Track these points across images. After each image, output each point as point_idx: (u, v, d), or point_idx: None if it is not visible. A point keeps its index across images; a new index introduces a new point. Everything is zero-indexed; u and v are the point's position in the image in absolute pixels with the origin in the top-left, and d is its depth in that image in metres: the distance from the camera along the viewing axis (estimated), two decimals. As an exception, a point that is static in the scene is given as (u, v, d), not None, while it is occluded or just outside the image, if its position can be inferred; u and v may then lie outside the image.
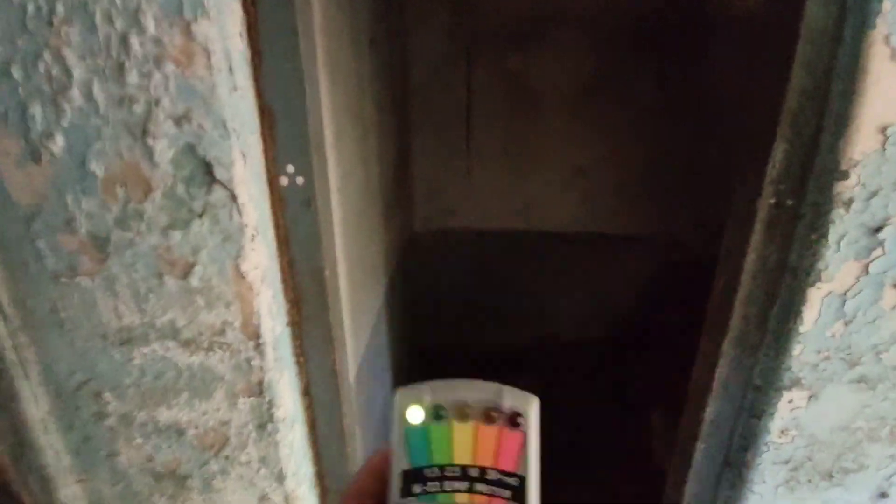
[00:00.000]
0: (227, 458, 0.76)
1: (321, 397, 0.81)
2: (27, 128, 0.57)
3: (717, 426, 0.84)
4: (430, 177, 2.45)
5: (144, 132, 0.57)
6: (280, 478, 0.78)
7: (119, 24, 0.50)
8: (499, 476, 0.25)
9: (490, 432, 0.25)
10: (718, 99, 1.97)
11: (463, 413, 0.26)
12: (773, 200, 0.68)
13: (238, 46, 0.58)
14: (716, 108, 2.03)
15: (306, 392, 0.81)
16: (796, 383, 0.75)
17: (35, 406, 0.73)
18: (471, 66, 2.23)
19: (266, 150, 0.66)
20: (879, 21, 0.56)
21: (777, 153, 0.65)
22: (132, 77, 0.53)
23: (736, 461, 0.85)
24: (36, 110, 0.56)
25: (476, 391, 0.26)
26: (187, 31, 0.52)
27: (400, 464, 0.26)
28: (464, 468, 0.25)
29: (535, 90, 2.24)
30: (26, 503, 0.77)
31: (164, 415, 0.73)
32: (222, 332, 0.68)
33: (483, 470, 0.25)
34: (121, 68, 0.53)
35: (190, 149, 0.58)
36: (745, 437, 0.82)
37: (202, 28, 0.52)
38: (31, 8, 0.51)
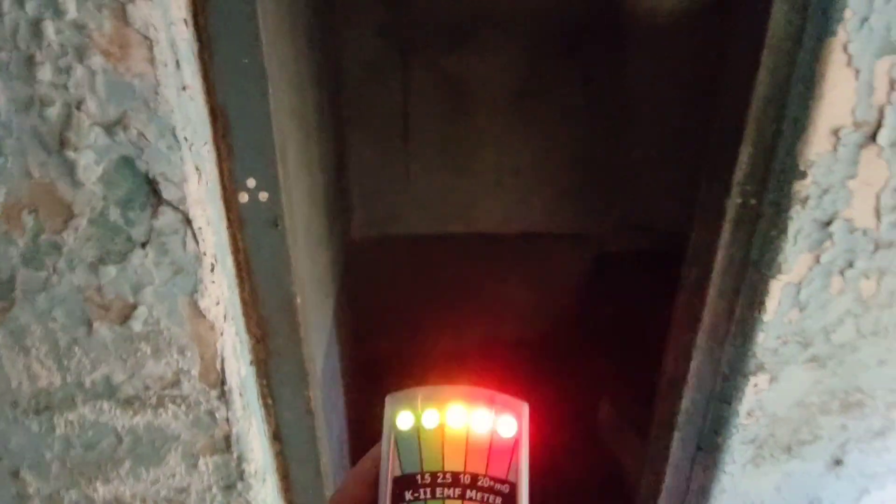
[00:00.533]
0: (185, 529, 0.64)
1: (293, 441, 0.71)
2: None
3: (692, 415, 0.87)
4: (368, 181, 2.35)
5: (62, 143, 0.44)
6: (253, 542, 0.67)
7: (29, 5, 0.38)
8: (490, 483, 0.25)
9: (481, 439, 0.26)
10: (638, 102, 2.09)
11: (454, 419, 0.26)
12: (739, 200, 0.70)
13: (184, 34, 0.47)
14: (636, 110, 2.16)
15: (276, 437, 0.70)
16: (760, 368, 0.79)
17: None
18: (407, 67, 2.17)
19: (221, 162, 0.55)
20: (840, 28, 0.59)
21: (743, 156, 0.67)
22: (44, 73, 0.41)
23: (708, 446, 0.88)
24: None
25: (467, 397, 0.26)
26: (121, 15, 0.41)
27: (390, 470, 0.26)
28: (455, 475, 0.25)
29: (471, 92, 2.23)
30: None
31: (101, 490, 0.59)
32: (175, 383, 0.56)
33: (474, 477, 0.25)
34: (30, 62, 0.40)
35: (127, 163, 0.46)
36: (716, 423, 0.86)
37: (141, 10, 0.41)
38: None
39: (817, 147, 0.65)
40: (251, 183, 0.57)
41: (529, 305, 2.78)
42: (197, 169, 0.49)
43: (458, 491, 0.25)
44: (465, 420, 0.26)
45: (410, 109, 2.24)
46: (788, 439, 0.90)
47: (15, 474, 0.55)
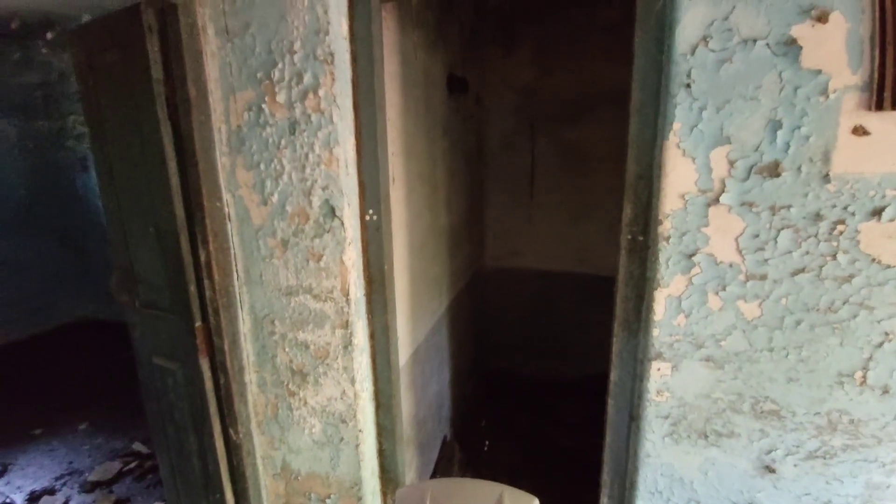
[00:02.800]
0: (327, 364, 1.41)
1: (379, 340, 1.43)
2: (262, 190, 1.31)
3: (620, 387, 1.26)
4: (499, 223, 3.04)
5: (310, 193, 1.27)
6: (352, 381, 1.40)
7: (324, 153, 1.22)
8: None
9: None
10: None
11: None
12: (629, 237, 1.15)
13: (351, 154, 1.27)
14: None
15: (372, 336, 1.43)
16: (660, 356, 1.16)
17: (243, 324, 1.46)
18: (534, 137, 2.83)
19: (360, 202, 1.33)
20: (671, 134, 1.04)
21: (627, 209, 1.14)
22: (307, 171, 1.25)
23: (636, 415, 1.25)
24: (267, 184, 1.30)
25: (476, 493, 0.24)
26: (331, 152, 1.22)
27: None
28: None
29: (585, 154, 2.74)
30: (230, 377, 1.49)
31: (301, 336, 1.41)
32: (332, 291, 1.34)
33: None
34: (303, 167, 1.24)
35: (326, 202, 1.27)
36: (638, 397, 1.23)
37: (337, 151, 1.22)
38: (270, 140, 1.25)
39: (671, 205, 1.08)
40: (371, 212, 1.33)
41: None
42: (348, 204, 1.27)
43: None
44: None
45: (536, 169, 2.87)
46: (703, 426, 1.20)
47: (272, 322, 1.40)
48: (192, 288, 1.41)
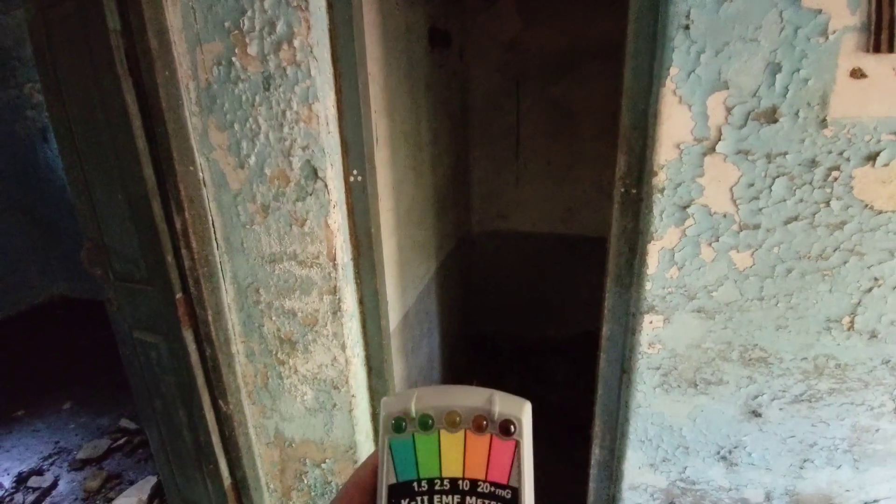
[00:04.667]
0: (316, 331, 1.38)
1: (369, 305, 1.40)
2: (239, 152, 1.24)
3: (612, 341, 1.26)
4: (486, 185, 3.00)
5: (289, 154, 1.21)
6: (343, 347, 1.37)
7: (303, 110, 1.14)
8: (491, 488, 0.24)
9: (480, 442, 0.24)
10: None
11: (452, 422, 0.25)
12: (622, 189, 1.12)
13: (332, 112, 1.19)
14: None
15: (361, 301, 1.40)
16: (652, 309, 1.17)
17: (226, 295, 1.41)
18: (519, 94, 2.75)
19: (343, 163, 1.26)
20: (668, 81, 1.00)
21: (621, 161, 1.10)
22: (286, 130, 1.17)
23: (627, 368, 1.26)
24: (243, 145, 1.23)
25: (465, 398, 0.25)
26: (310, 108, 1.14)
27: (386, 477, 0.25)
28: (453, 481, 0.24)
29: (572, 113, 2.68)
30: (216, 348, 1.45)
31: (287, 304, 1.37)
32: (317, 257, 1.29)
33: (474, 482, 0.24)
34: (281, 126, 1.17)
35: (307, 162, 1.21)
36: (630, 350, 1.24)
37: (316, 107, 1.14)
38: (244, 97, 1.17)
39: (666, 155, 1.05)
40: (355, 172, 1.27)
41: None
42: (331, 165, 1.21)
43: (457, 498, 0.24)
44: (463, 422, 0.25)
45: (521, 128, 2.80)
46: (693, 375, 1.22)
47: (257, 290, 1.36)
48: (170, 258, 1.35)
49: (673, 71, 0.99)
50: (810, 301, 1.07)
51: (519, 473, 0.24)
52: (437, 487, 0.24)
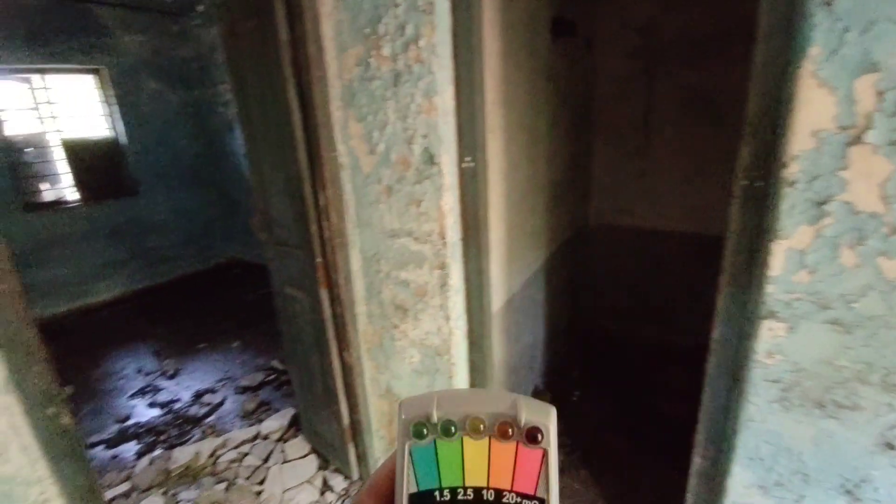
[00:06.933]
0: (426, 302, 1.54)
1: (474, 282, 1.51)
2: (370, 140, 1.43)
3: (723, 345, 1.19)
4: (607, 177, 2.89)
5: (411, 141, 1.36)
6: (447, 318, 1.51)
7: (424, 102, 1.30)
8: (517, 499, 0.23)
9: (506, 450, 0.23)
10: None
11: (475, 428, 0.24)
12: (746, 182, 1.05)
13: (450, 103, 1.32)
14: None
15: (467, 278, 1.52)
16: (773, 315, 1.07)
17: (354, 263, 1.65)
18: (651, 82, 2.59)
19: (458, 149, 1.38)
20: (806, 62, 0.91)
21: (744, 151, 1.03)
22: (409, 120, 1.33)
23: (739, 377, 1.18)
24: (374, 134, 1.42)
25: (489, 403, 0.24)
26: (431, 101, 1.28)
27: (406, 485, 0.24)
28: (477, 490, 0.23)
29: (712, 101, 2.44)
30: (344, 307, 1.70)
31: (402, 275, 1.55)
32: (430, 234, 1.44)
33: (499, 492, 0.23)
34: (405, 117, 1.33)
35: (426, 149, 1.35)
36: (742, 357, 1.15)
37: (436, 99, 1.28)
38: (377, 92, 1.35)
39: (800, 145, 0.96)
40: (468, 159, 1.38)
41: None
42: (447, 152, 1.33)
43: None
44: (487, 429, 0.24)
45: (651, 119, 2.64)
46: (821, 395, 1.10)
47: (378, 261, 1.56)
48: (314, 228, 1.62)
49: (813, 51, 0.90)
50: (984, 323, 0.89)
51: (546, 483, 0.23)
52: (459, 497, 0.23)
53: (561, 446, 2.11)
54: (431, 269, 1.48)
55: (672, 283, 2.89)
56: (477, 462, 0.24)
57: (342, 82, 1.44)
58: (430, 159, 1.35)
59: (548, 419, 0.24)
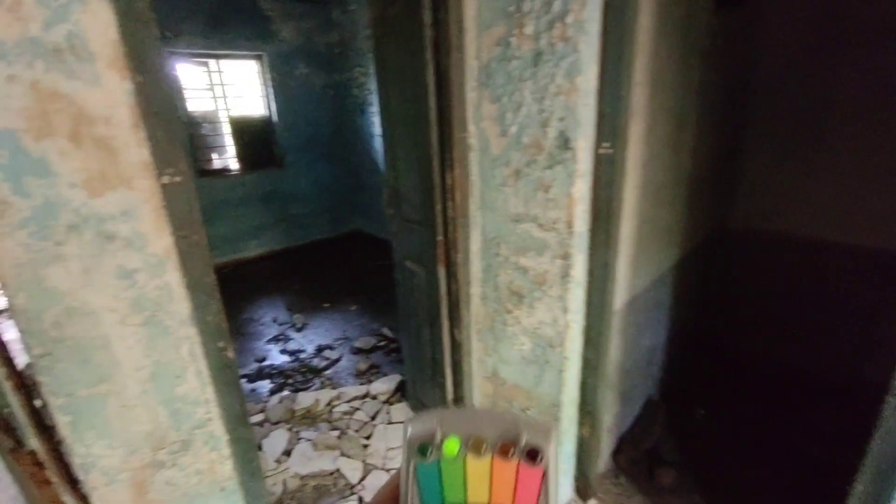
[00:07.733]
0: (543, 290, 1.50)
1: (597, 276, 1.43)
2: (502, 122, 1.42)
3: (911, 385, 0.97)
4: (760, 175, 2.52)
5: (546, 124, 1.32)
6: (565, 310, 1.46)
7: (565, 83, 1.25)
8: None
9: (507, 468, 0.24)
10: None
11: (478, 447, 0.25)
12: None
13: (593, 84, 1.24)
14: None
15: (590, 272, 1.45)
16: None
17: (474, 244, 1.66)
18: (833, 63, 2.18)
19: (597, 134, 1.31)
20: None
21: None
22: (546, 102, 1.29)
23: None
24: (507, 116, 1.40)
25: (491, 423, 0.25)
26: (572, 81, 1.22)
27: (409, 502, 0.25)
28: None
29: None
30: (460, 286, 1.73)
31: (521, 261, 1.53)
32: (556, 222, 1.39)
33: None
34: (542, 99, 1.28)
35: (561, 133, 1.30)
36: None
37: (578, 80, 1.21)
38: (514, 73, 1.33)
39: None
40: (606, 144, 1.30)
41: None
42: (584, 136, 1.27)
43: None
44: (489, 448, 0.25)
45: (828, 107, 2.22)
46: None
47: (498, 244, 1.55)
48: (439, 206, 1.67)
49: None
50: None
51: (546, 501, 0.24)
52: None
53: (672, 464, 1.95)
54: (553, 257, 1.44)
55: (831, 304, 2.45)
56: (479, 480, 0.24)
57: (479, 63, 1.44)
58: (565, 143, 1.30)
59: (547, 440, 0.24)
